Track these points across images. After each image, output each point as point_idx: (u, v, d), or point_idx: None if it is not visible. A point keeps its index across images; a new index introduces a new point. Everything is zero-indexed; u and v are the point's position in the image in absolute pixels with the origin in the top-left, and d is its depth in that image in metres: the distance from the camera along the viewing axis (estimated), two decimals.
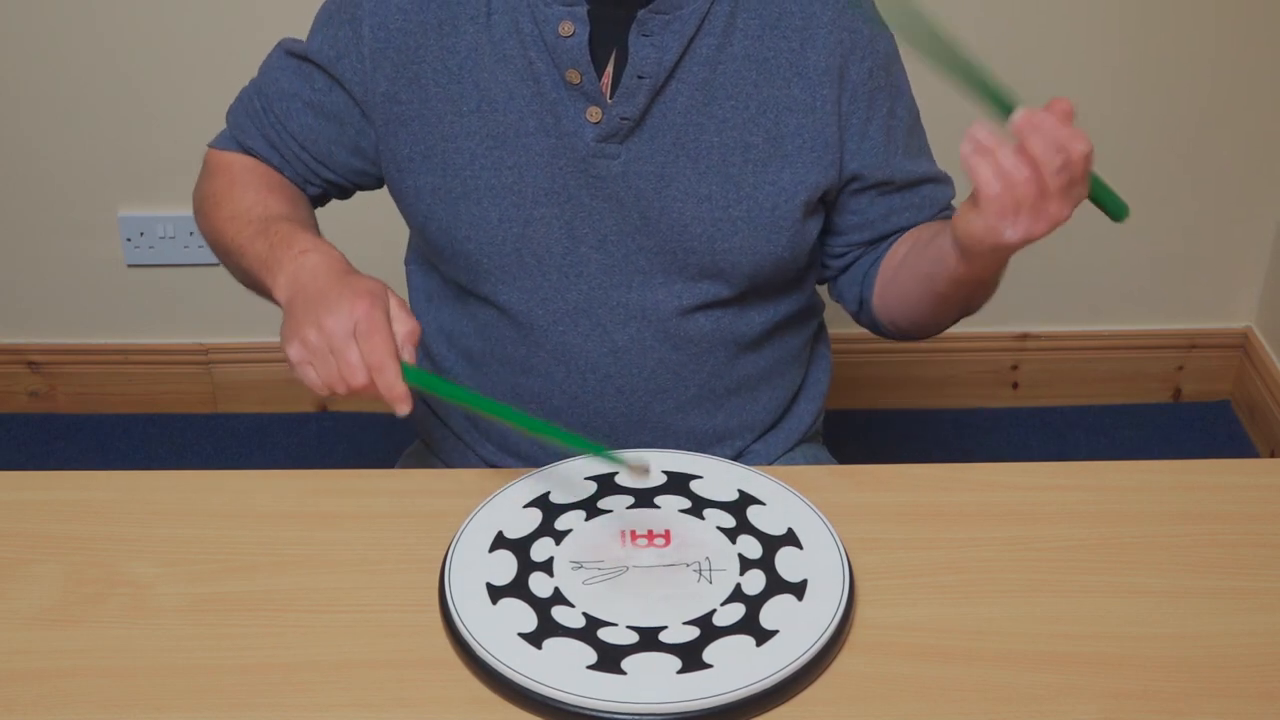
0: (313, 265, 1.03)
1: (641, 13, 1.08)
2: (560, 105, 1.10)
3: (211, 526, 1.03)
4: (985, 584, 0.97)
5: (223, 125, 1.24)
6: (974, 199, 0.96)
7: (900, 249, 1.19)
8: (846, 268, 1.25)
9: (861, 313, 1.26)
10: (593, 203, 1.12)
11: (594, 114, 1.09)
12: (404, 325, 0.98)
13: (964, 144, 0.94)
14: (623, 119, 1.09)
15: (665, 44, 1.09)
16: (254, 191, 1.16)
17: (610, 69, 1.10)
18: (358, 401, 0.98)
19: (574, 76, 1.08)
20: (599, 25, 1.09)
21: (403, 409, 0.95)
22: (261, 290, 1.09)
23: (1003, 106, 0.94)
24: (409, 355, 0.97)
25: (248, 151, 1.21)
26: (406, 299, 1.30)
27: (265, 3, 1.94)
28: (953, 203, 1.25)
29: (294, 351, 0.98)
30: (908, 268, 1.17)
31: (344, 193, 1.24)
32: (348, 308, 0.96)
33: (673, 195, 1.11)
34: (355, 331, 0.95)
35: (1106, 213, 0.99)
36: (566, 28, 1.08)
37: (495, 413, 1.04)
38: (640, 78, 1.09)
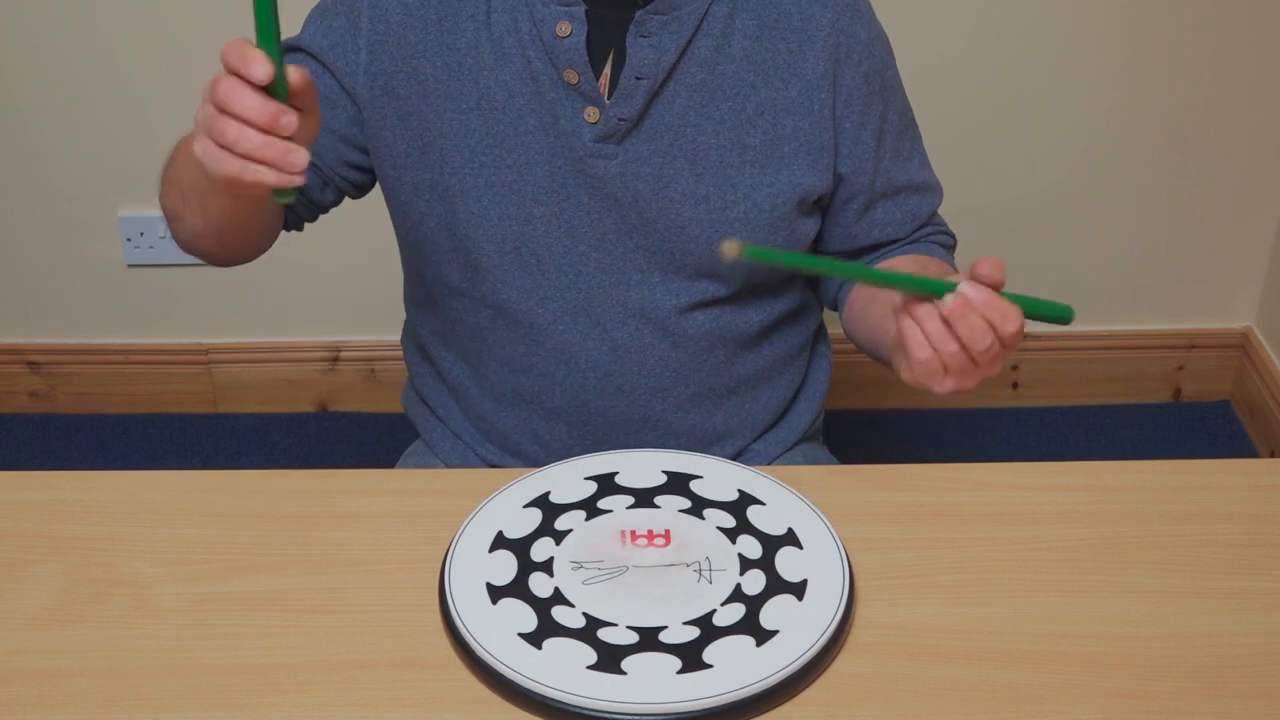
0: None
1: (639, 13, 1.08)
2: (558, 105, 1.10)
3: (211, 526, 1.03)
4: (985, 584, 0.97)
5: None
6: (905, 351, 0.99)
7: (867, 294, 1.20)
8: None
9: (835, 308, 1.28)
10: (591, 202, 1.12)
11: (591, 114, 1.09)
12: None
13: (896, 308, 0.98)
14: (620, 119, 1.09)
15: (663, 45, 1.09)
16: None
17: (608, 69, 1.10)
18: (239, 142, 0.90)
19: (571, 77, 1.08)
20: (597, 26, 1.09)
21: (258, 71, 0.89)
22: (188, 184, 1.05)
23: (936, 291, 0.96)
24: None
25: None
26: (405, 299, 1.30)
27: None
28: (939, 211, 1.25)
29: (200, 113, 0.93)
30: (867, 317, 1.19)
31: (325, 185, 1.20)
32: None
33: (670, 196, 1.11)
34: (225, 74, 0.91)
35: (1053, 321, 1.01)
36: (564, 28, 1.08)
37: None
38: (638, 78, 1.09)
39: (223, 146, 0.91)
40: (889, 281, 0.98)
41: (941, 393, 0.99)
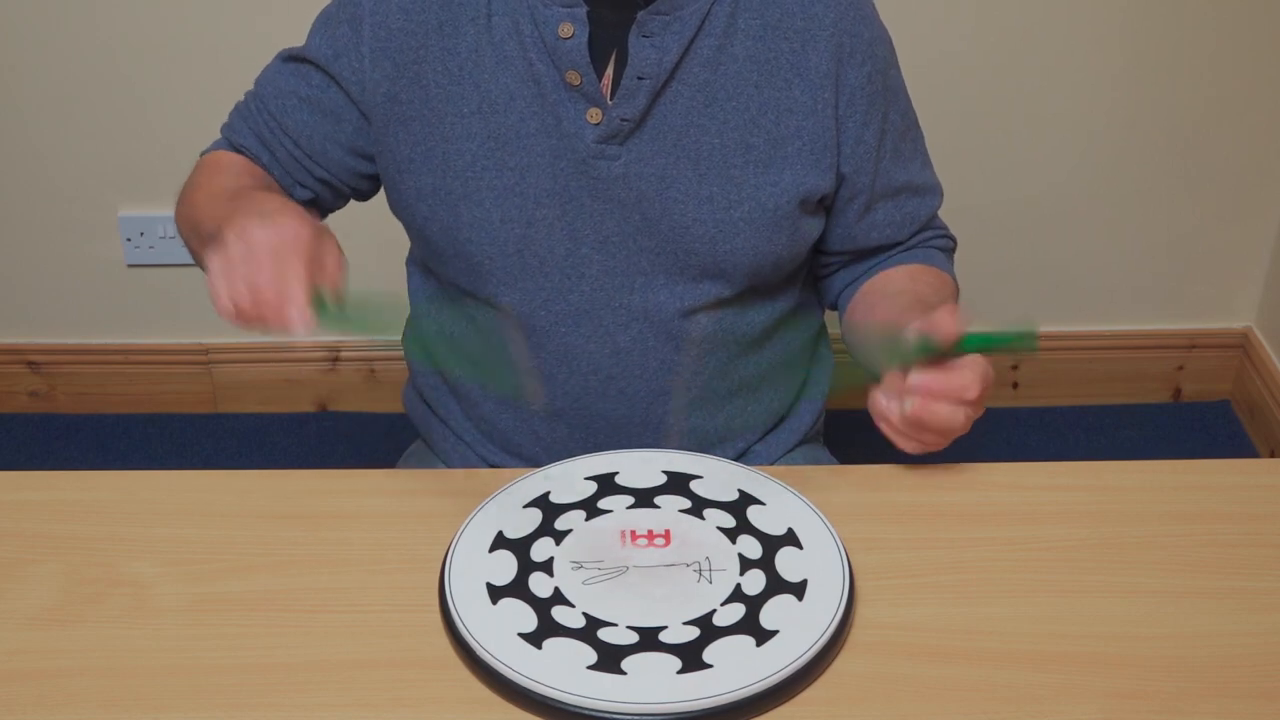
0: (270, 208, 0.97)
1: (641, 14, 1.08)
2: (561, 107, 1.10)
3: (211, 526, 1.03)
4: (985, 584, 0.97)
5: (223, 122, 1.24)
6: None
7: (873, 299, 1.21)
8: (826, 277, 1.26)
9: (835, 309, 1.29)
10: (594, 204, 1.12)
11: (594, 115, 1.09)
12: (333, 256, 0.93)
13: (870, 402, 1.02)
14: (623, 120, 1.09)
15: (665, 45, 1.09)
16: (234, 178, 1.15)
17: (610, 70, 1.10)
18: (262, 328, 0.91)
19: (574, 78, 1.08)
20: (599, 27, 1.09)
21: (299, 325, 0.89)
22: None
23: (905, 359, 1.00)
24: (331, 281, 0.92)
25: (238, 150, 1.21)
26: (407, 299, 1.30)
27: (266, 3, 1.94)
28: (939, 214, 1.25)
29: (215, 261, 0.92)
30: (865, 335, 1.19)
31: (336, 196, 1.23)
32: (276, 222, 0.92)
33: (673, 197, 1.11)
34: (277, 248, 0.90)
35: (1018, 351, 1.03)
36: (566, 29, 1.08)
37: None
38: (640, 79, 1.09)
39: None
40: (877, 355, 1.02)
41: (919, 453, 1.03)
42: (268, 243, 0.90)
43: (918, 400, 0.98)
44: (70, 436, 2.25)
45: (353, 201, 1.27)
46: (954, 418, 0.98)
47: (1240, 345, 2.30)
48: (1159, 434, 2.27)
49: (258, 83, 1.21)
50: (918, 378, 0.98)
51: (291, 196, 1.20)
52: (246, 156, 1.20)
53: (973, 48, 2.03)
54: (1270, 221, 2.21)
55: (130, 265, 2.17)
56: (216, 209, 1.07)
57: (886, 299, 1.18)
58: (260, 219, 0.92)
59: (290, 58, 1.18)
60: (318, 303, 0.90)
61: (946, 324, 0.97)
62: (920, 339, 0.98)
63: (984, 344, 0.98)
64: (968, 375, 0.98)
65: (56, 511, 1.04)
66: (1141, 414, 2.32)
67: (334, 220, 1.27)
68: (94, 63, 2.01)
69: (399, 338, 0.96)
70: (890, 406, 1.01)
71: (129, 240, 2.14)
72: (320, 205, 1.24)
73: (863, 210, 1.19)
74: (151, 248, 2.15)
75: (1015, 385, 2.32)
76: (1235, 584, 0.97)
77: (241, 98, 1.22)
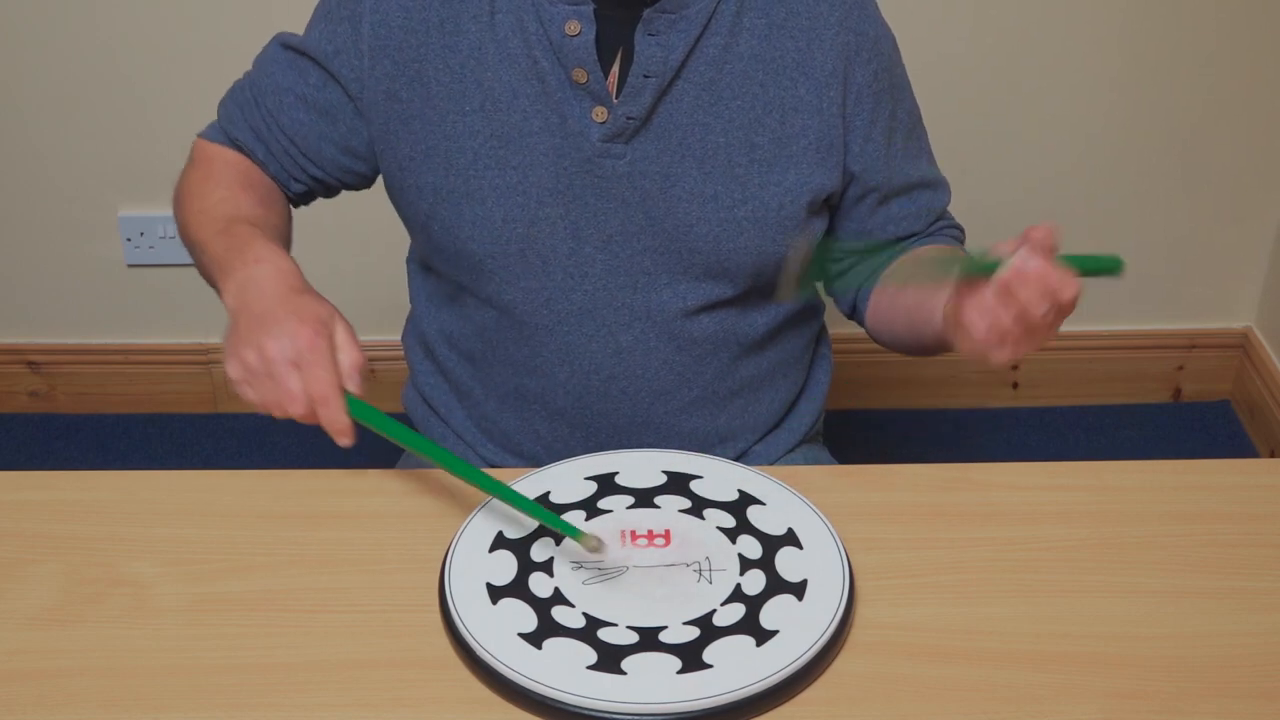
0: (261, 277, 1.02)
1: (647, 12, 1.08)
2: (565, 104, 1.10)
3: (211, 526, 1.03)
4: (985, 584, 0.97)
5: (219, 100, 1.24)
6: (962, 326, 0.96)
7: (907, 265, 1.20)
8: (842, 274, 1.25)
9: (853, 315, 1.26)
10: (598, 203, 1.12)
11: (600, 113, 1.09)
12: (349, 356, 0.97)
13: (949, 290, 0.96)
14: (628, 118, 1.09)
15: (671, 43, 1.09)
16: (226, 188, 1.16)
17: (616, 68, 1.10)
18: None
19: (580, 75, 1.08)
20: (605, 24, 1.09)
21: (344, 441, 0.95)
22: (218, 290, 1.09)
23: (985, 269, 0.94)
24: (354, 386, 0.97)
25: (234, 143, 1.20)
26: (408, 298, 1.30)
27: (266, 2, 1.94)
28: (948, 209, 1.25)
29: (233, 369, 0.98)
30: (900, 309, 1.17)
31: (330, 191, 1.24)
32: (290, 333, 0.96)
33: (678, 195, 1.11)
34: (298, 360, 0.95)
35: (1105, 275, 0.99)
36: (573, 26, 1.08)
37: (434, 456, 1.00)
38: (646, 77, 1.09)
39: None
40: (947, 266, 0.95)
41: (1001, 361, 0.96)
42: (283, 357, 0.96)
43: (1014, 272, 0.91)
44: (70, 436, 2.25)
45: (353, 201, 1.27)
46: (1039, 306, 0.91)
47: (1240, 345, 2.30)
48: (1159, 434, 2.27)
49: (255, 67, 1.20)
50: (1025, 255, 0.91)
51: (288, 190, 1.21)
52: (242, 151, 1.20)
53: (972, 49, 2.03)
54: (1270, 221, 2.21)
55: (130, 265, 2.17)
56: (211, 241, 1.10)
57: (922, 261, 1.17)
58: (263, 320, 0.97)
59: (288, 46, 1.17)
60: (351, 404, 0.96)
61: (1044, 235, 0.91)
62: (1008, 255, 0.93)
63: (1075, 263, 0.93)
64: (1066, 274, 0.91)
65: (56, 511, 1.04)
66: (1141, 414, 2.32)
67: (334, 220, 1.27)
68: (94, 63, 2.01)
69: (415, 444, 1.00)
70: (979, 286, 0.95)
71: (129, 240, 2.14)
72: (315, 196, 1.24)
73: (876, 206, 1.19)
74: (151, 248, 2.15)
75: (1015, 385, 2.32)
76: (1235, 584, 0.97)
77: (240, 77, 1.22)
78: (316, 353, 0.95)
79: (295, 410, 0.96)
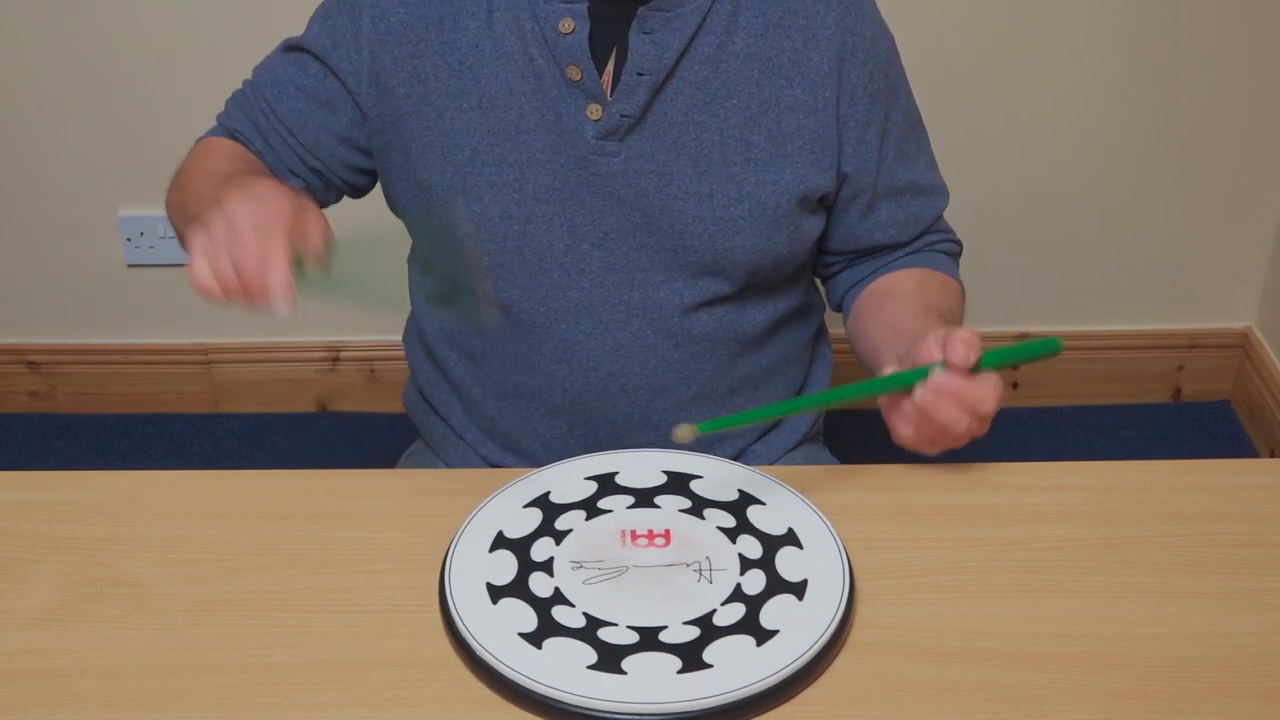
0: (260, 183, 0.98)
1: (642, 9, 1.08)
2: (561, 102, 1.10)
3: (211, 526, 1.03)
4: (985, 584, 0.97)
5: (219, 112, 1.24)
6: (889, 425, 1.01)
7: (880, 299, 1.20)
8: (830, 278, 1.26)
9: (841, 314, 1.28)
10: (594, 200, 1.12)
11: (594, 111, 1.09)
12: (316, 225, 0.95)
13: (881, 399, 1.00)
14: (623, 116, 1.09)
15: (666, 41, 1.09)
16: (227, 162, 1.16)
17: (611, 66, 1.10)
18: (245, 302, 0.92)
19: (574, 73, 1.08)
20: (599, 22, 1.09)
21: (283, 305, 0.90)
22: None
23: (906, 381, 0.98)
24: (314, 249, 0.94)
25: (232, 135, 1.21)
26: (409, 298, 1.30)
27: (266, 2, 1.94)
28: (944, 214, 1.25)
29: (198, 238, 0.92)
30: (870, 337, 1.19)
31: (327, 187, 1.23)
32: (258, 198, 0.93)
33: (673, 194, 1.11)
34: (258, 222, 0.91)
35: (1044, 359, 1.04)
36: (567, 24, 1.08)
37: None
38: (640, 75, 1.09)
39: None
40: (864, 390, 0.99)
41: (930, 453, 1.01)
42: (250, 217, 0.91)
43: (930, 394, 0.96)
44: (70, 436, 2.25)
45: (354, 201, 1.27)
46: (958, 423, 0.96)
47: (1240, 345, 2.30)
48: (1159, 434, 2.27)
49: (255, 71, 1.21)
50: (941, 376, 0.96)
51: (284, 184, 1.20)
52: (240, 142, 1.20)
53: (970, 48, 2.03)
54: (1269, 221, 2.21)
55: (130, 265, 2.17)
56: (205, 191, 1.07)
57: (895, 301, 1.18)
58: (243, 196, 0.93)
59: (289, 48, 1.18)
60: (299, 272, 0.91)
61: (963, 352, 0.95)
62: (933, 362, 0.97)
63: (1007, 356, 0.98)
64: (987, 389, 0.96)
65: (56, 511, 1.04)
66: (1141, 414, 2.32)
67: (334, 220, 1.27)
68: (94, 63, 2.01)
69: (385, 299, 0.97)
70: (904, 410, 0.99)
71: (129, 240, 2.14)
72: (312, 195, 1.22)
73: (865, 209, 1.19)
74: (151, 248, 2.15)
75: (1015, 385, 2.32)
76: (1235, 584, 0.97)
77: (239, 86, 1.22)
78: (281, 218, 0.92)
79: (246, 267, 0.89)
